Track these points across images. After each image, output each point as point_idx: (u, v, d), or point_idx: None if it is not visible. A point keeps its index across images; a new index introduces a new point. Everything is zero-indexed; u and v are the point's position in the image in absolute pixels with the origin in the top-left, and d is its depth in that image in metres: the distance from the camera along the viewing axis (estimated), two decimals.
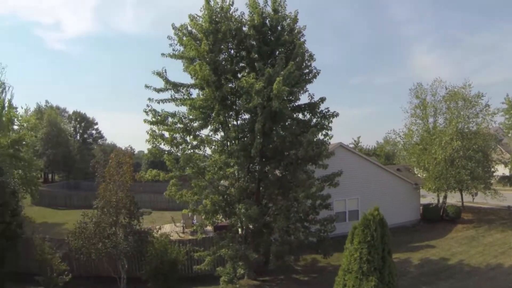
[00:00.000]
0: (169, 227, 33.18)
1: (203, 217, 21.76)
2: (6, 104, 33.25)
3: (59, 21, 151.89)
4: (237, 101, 20.72)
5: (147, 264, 20.69)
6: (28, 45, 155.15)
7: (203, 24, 19.78)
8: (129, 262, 21.28)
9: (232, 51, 20.98)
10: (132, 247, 20.28)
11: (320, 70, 21.25)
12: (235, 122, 21.33)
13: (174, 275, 20.52)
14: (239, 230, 21.78)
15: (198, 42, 19.70)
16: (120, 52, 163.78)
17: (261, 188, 21.31)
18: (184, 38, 19.93)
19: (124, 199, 20.68)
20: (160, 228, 23.83)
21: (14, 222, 21.16)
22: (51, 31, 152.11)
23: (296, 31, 20.92)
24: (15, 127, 40.57)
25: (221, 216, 21.73)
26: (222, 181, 22.73)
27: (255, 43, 20.48)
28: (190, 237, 27.07)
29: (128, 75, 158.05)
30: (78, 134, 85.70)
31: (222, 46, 20.07)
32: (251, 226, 20.76)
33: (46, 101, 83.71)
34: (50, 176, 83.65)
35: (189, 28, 20.24)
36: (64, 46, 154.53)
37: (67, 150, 72.54)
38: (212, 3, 20.04)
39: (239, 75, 20.73)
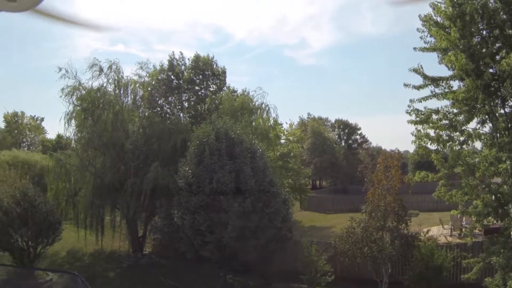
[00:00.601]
0: (436, 230, 31.41)
1: (473, 219, 19.85)
2: (272, 123, 35.86)
3: (304, 39, 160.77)
4: (501, 87, 18.47)
5: (410, 269, 19.85)
6: (282, 66, 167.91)
7: (446, 10, 18.19)
8: (393, 266, 20.76)
9: (484, 32, 18.80)
10: (398, 252, 19.84)
11: None
12: (502, 111, 19.02)
13: (438, 282, 19.26)
14: None
15: (447, 30, 18.16)
16: (365, 56, 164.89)
17: None
18: (432, 29, 18.61)
19: (392, 203, 20.36)
20: (428, 231, 22.75)
21: (285, 227, 22.52)
22: (299, 50, 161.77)
23: None
24: (282, 141, 43.72)
25: (492, 218, 19.56)
26: (494, 179, 20.52)
27: (506, 17, 17.99)
28: (458, 241, 25.14)
29: (379, 76, 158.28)
30: (343, 141, 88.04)
31: (473, 29, 18.15)
32: None
33: (308, 114, 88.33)
34: (317, 182, 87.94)
35: (434, 17, 18.83)
36: (313, 61, 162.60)
37: (333, 157, 75.15)
38: None
39: (497, 58, 18.47)
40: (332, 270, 21.38)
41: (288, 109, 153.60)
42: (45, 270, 24.69)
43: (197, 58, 36.24)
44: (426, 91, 19.29)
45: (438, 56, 18.94)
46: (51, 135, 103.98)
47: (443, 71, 19.14)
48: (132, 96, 31.37)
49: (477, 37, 18.38)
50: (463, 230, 23.88)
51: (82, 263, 28.68)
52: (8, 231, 22.93)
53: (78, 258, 29.65)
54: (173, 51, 41.25)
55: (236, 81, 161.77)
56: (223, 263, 22.38)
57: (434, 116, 19.06)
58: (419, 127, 19.06)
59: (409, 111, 19.06)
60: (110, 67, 29.81)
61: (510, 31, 17.50)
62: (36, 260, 24.54)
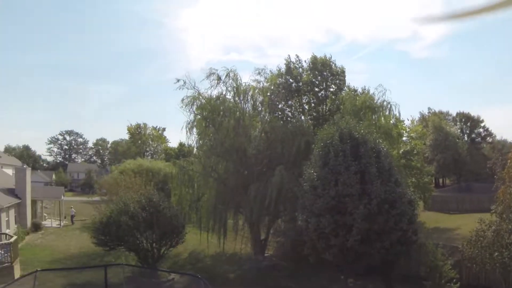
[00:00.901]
0: None
1: None
2: (393, 120, 35.14)
3: (415, 31, 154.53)
4: None
5: None
6: (396, 61, 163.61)
7: None
8: None
9: None
10: None
11: None
12: None
13: None
14: None
15: None
16: (481, 41, 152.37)
17: None
18: None
19: None
20: None
21: (410, 229, 22.05)
22: (412, 42, 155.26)
23: None
24: (404, 138, 42.66)
25: None
26: None
27: None
28: None
29: (500, 61, 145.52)
30: (465, 135, 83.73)
31: None
32: None
33: (429, 108, 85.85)
34: (441, 180, 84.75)
35: None
36: (428, 52, 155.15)
37: (456, 153, 71.82)
38: None
39: None
40: (458, 276, 20.56)
41: (406, 104, 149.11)
42: (169, 272, 26.32)
43: (314, 59, 36.17)
44: None
45: None
46: (173, 143, 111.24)
47: None
48: (251, 102, 32.38)
49: None
50: None
51: (203, 264, 30.31)
52: (134, 234, 25.07)
53: (199, 259, 31.39)
54: (289, 55, 41.38)
55: (352, 79, 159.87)
56: (345, 266, 22.35)
57: None
58: None
59: None
60: (227, 75, 31.04)
61: None
62: (160, 261, 26.57)
